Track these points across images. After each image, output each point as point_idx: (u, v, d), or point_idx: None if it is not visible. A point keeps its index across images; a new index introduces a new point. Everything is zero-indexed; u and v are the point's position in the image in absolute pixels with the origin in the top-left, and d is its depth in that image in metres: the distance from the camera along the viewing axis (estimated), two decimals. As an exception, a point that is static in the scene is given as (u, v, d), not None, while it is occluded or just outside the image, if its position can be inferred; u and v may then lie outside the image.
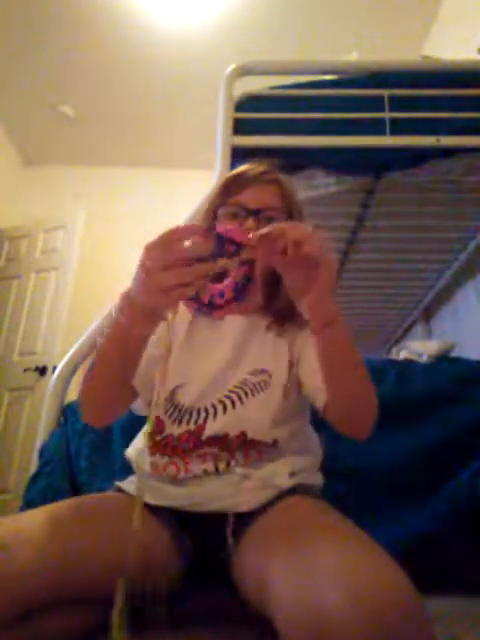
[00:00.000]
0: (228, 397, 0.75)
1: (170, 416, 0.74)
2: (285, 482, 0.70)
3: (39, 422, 1.30)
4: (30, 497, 1.10)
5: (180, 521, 0.69)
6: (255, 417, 0.74)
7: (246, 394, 0.76)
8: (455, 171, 1.56)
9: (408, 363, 1.37)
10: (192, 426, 0.73)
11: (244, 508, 0.67)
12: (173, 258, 0.50)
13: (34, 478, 1.15)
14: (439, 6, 2.63)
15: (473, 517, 1.00)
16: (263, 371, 0.77)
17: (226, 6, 2.64)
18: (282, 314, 0.79)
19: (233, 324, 0.80)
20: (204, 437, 0.72)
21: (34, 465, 1.19)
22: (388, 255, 2.14)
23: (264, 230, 0.55)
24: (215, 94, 1.63)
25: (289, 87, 1.60)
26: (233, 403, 0.75)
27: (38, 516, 0.59)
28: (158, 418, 0.75)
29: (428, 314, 2.69)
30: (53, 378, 1.31)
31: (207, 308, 0.56)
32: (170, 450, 0.73)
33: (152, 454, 0.74)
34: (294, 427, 0.78)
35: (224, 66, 1.62)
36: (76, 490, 1.10)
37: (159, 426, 0.74)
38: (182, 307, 0.67)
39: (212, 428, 0.73)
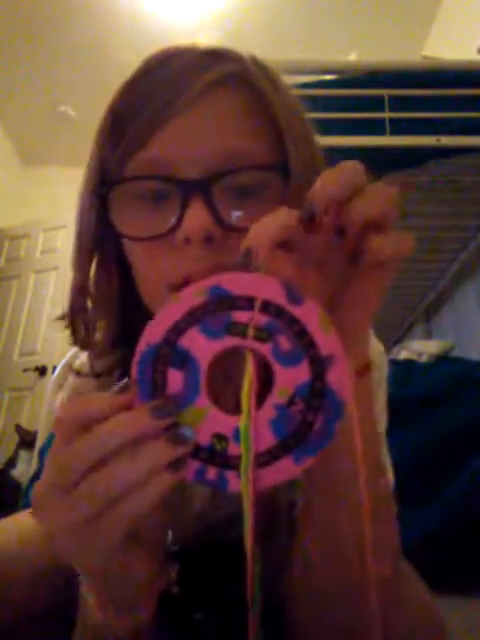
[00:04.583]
0: None
1: None
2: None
3: (39, 422, 1.29)
4: (30, 497, 1.10)
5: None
6: None
7: None
8: (455, 171, 1.56)
9: (408, 363, 1.37)
10: None
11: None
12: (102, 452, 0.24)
13: (34, 478, 1.15)
14: (439, 6, 2.62)
15: (473, 517, 0.99)
16: None
17: (226, 6, 2.64)
18: None
19: None
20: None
21: (34, 465, 1.19)
22: (388, 255, 2.14)
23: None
24: (215, 94, 1.63)
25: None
26: None
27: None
28: None
29: (428, 314, 2.68)
30: (53, 378, 1.31)
31: (218, 474, 0.26)
32: None
33: None
34: None
35: (224, 66, 1.62)
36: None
37: None
38: None
39: None
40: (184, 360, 0.25)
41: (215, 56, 0.36)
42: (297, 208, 0.25)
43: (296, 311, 0.25)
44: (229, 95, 0.34)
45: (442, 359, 1.54)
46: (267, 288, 0.25)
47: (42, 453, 1.21)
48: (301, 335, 0.25)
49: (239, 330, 0.25)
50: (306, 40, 2.76)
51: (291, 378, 0.25)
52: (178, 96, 0.33)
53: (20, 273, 3.20)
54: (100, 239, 0.38)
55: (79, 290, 0.41)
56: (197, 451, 0.25)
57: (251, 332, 0.25)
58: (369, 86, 1.51)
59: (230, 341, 0.25)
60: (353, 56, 2.20)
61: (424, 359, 1.55)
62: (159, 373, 0.25)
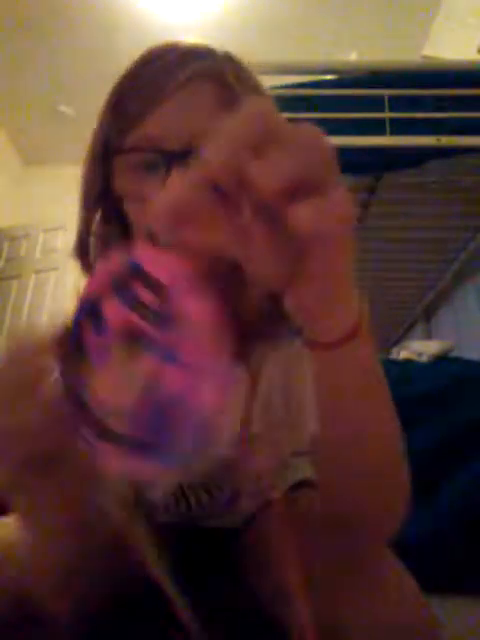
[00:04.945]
0: None
1: None
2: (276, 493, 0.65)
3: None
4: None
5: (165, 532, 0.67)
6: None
7: None
8: (455, 171, 1.56)
9: (408, 363, 1.37)
10: None
11: (237, 523, 0.65)
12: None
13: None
14: (439, 6, 2.62)
15: (472, 517, 1.00)
16: None
17: (226, 6, 2.64)
18: (245, 331, 0.49)
19: None
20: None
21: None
22: (388, 255, 2.14)
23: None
24: (215, 94, 1.63)
25: (289, 87, 1.60)
26: None
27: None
28: None
29: (428, 314, 2.68)
30: (53, 378, 1.31)
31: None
32: None
33: None
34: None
35: (224, 66, 1.62)
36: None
37: None
38: None
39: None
40: (99, 325, 0.24)
41: (194, 54, 0.44)
42: None
43: (186, 303, 0.23)
44: (202, 87, 0.43)
45: (442, 359, 1.54)
46: (165, 268, 0.23)
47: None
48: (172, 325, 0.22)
49: (139, 309, 0.23)
50: (306, 40, 2.76)
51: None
52: (164, 87, 0.42)
53: (20, 273, 3.20)
54: (103, 196, 0.46)
55: (85, 234, 0.48)
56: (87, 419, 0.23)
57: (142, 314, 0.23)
58: (369, 86, 1.51)
59: (133, 318, 0.23)
60: (353, 56, 2.20)
61: (424, 359, 1.55)
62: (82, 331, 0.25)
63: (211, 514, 0.64)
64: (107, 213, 0.47)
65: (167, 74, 0.42)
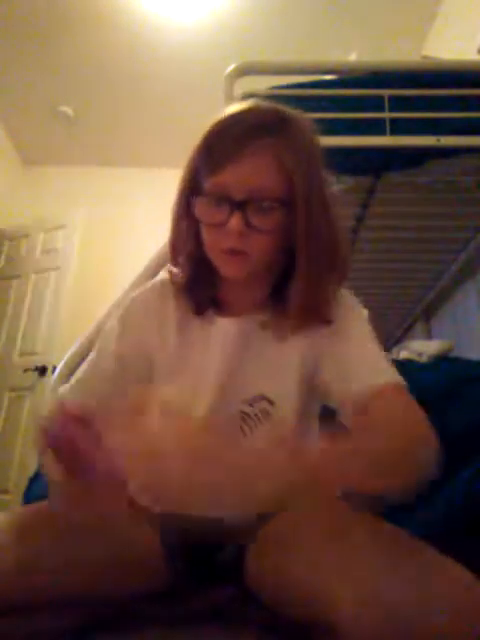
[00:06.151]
0: None
1: None
2: None
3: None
4: (30, 497, 1.10)
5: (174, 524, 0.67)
6: None
7: (243, 431, 0.64)
8: (455, 171, 1.56)
9: (408, 363, 1.37)
10: None
11: (237, 518, 0.66)
12: None
13: (34, 478, 1.15)
14: (439, 6, 2.62)
15: (472, 517, 0.99)
16: (261, 398, 0.64)
17: (226, 6, 2.64)
18: (291, 310, 0.63)
19: (225, 330, 0.66)
20: None
21: (34, 465, 1.19)
22: (388, 255, 2.14)
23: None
24: (215, 94, 1.63)
25: (289, 87, 1.60)
26: None
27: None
28: None
29: (428, 314, 2.68)
30: (53, 378, 1.31)
31: None
32: None
33: None
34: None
35: (224, 66, 1.62)
36: (76, 490, 1.10)
37: None
38: (169, 311, 0.70)
39: None
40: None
41: (265, 128, 0.59)
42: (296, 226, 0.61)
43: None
44: (264, 156, 0.59)
45: (442, 359, 1.54)
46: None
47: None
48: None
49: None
50: (306, 40, 2.76)
51: None
52: (238, 151, 0.58)
53: (20, 273, 3.20)
54: (186, 220, 0.66)
55: (173, 246, 0.71)
56: None
57: None
58: (369, 86, 1.51)
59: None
60: (353, 56, 2.20)
61: (424, 359, 1.55)
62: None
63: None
64: (189, 228, 0.66)
65: (241, 142, 0.58)
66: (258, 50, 2.69)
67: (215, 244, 0.62)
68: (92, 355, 0.71)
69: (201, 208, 0.62)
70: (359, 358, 0.62)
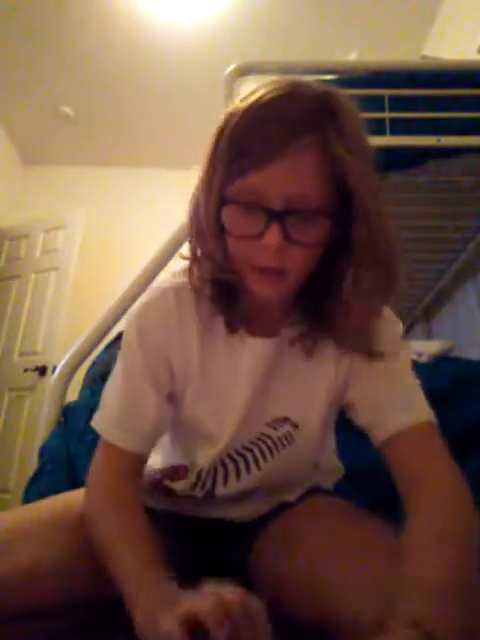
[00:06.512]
0: (240, 456, 0.62)
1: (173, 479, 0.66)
2: (292, 497, 0.67)
3: (39, 422, 1.30)
4: (30, 497, 1.10)
5: (178, 523, 0.68)
6: (276, 481, 0.64)
7: (263, 454, 0.62)
8: (455, 171, 1.56)
9: (408, 363, 1.37)
10: (199, 492, 0.65)
11: (248, 518, 0.66)
12: None
13: (34, 478, 1.15)
14: (439, 6, 2.62)
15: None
16: (285, 420, 0.61)
17: (226, 6, 2.64)
18: (337, 334, 0.56)
19: (255, 351, 0.60)
20: (216, 496, 0.66)
21: (34, 465, 1.19)
22: (388, 255, 2.14)
23: None
24: (215, 94, 1.63)
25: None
26: (247, 465, 0.63)
27: (29, 514, 0.59)
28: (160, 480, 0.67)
29: (428, 314, 2.68)
30: (53, 378, 1.31)
31: None
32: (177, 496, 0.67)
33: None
34: (321, 459, 0.69)
35: (224, 66, 1.62)
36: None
37: (162, 481, 0.67)
38: (185, 334, 0.58)
39: (222, 491, 0.65)
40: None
41: (309, 123, 0.48)
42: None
43: None
44: (307, 156, 0.47)
45: (442, 359, 1.54)
46: None
47: (43, 451, 1.21)
48: None
49: None
50: (306, 40, 2.76)
51: None
52: (276, 151, 0.47)
53: (20, 273, 3.20)
54: (215, 225, 0.53)
55: (201, 250, 0.57)
56: None
57: None
58: (369, 86, 1.51)
59: None
60: (353, 56, 2.19)
61: (424, 359, 1.55)
62: None
63: (227, 498, 0.66)
64: (212, 236, 0.54)
65: (281, 138, 0.47)
66: (258, 50, 2.69)
67: (246, 260, 0.52)
68: (120, 382, 0.61)
69: (229, 217, 0.50)
70: (393, 390, 0.59)
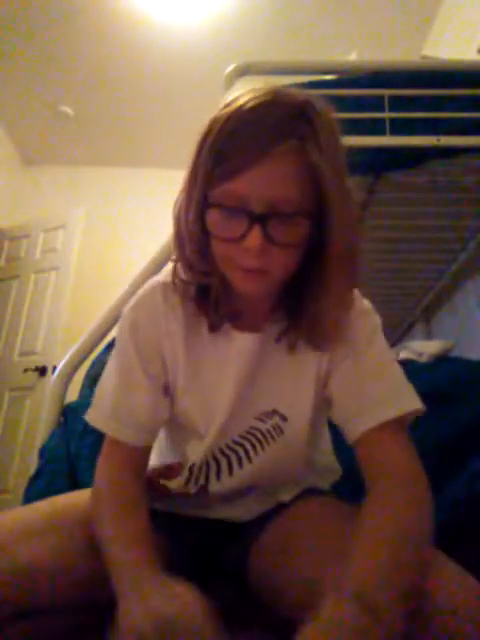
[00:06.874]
0: (231, 450, 0.64)
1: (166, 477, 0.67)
2: (287, 497, 0.67)
3: (39, 422, 1.30)
4: (30, 497, 1.10)
5: (176, 523, 0.68)
6: (270, 477, 0.66)
7: (254, 447, 0.63)
8: (455, 171, 1.56)
9: (408, 363, 1.37)
10: (192, 488, 0.66)
11: (245, 518, 0.67)
12: None
13: (34, 478, 1.15)
14: (439, 6, 2.62)
15: (474, 518, 0.99)
16: (273, 413, 0.62)
17: (226, 6, 2.64)
18: (318, 328, 0.58)
19: (241, 345, 0.61)
20: (210, 492, 0.67)
21: (34, 465, 1.19)
22: (388, 255, 2.14)
23: None
24: (215, 94, 1.63)
25: (289, 87, 1.60)
26: (239, 460, 0.64)
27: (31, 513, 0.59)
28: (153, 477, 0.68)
29: (428, 314, 2.68)
30: (53, 378, 1.31)
31: None
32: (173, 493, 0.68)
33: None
34: (315, 456, 0.70)
35: (224, 66, 1.62)
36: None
37: (156, 480, 0.68)
38: (171, 326, 0.60)
39: (215, 487, 0.66)
40: None
41: (288, 129, 0.50)
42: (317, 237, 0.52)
43: None
44: (287, 160, 0.49)
45: (442, 359, 1.54)
46: None
47: (43, 451, 1.21)
48: None
49: None
50: (306, 40, 2.76)
51: None
52: (257, 155, 0.49)
53: (20, 273, 3.20)
54: (196, 229, 0.55)
55: (179, 254, 0.58)
56: None
57: None
58: (369, 86, 1.51)
59: None
60: (353, 56, 2.20)
61: (424, 359, 1.55)
62: None
63: (222, 497, 0.67)
64: (196, 237, 0.55)
65: (261, 143, 0.49)
66: (258, 50, 2.69)
67: (230, 261, 0.54)
68: (114, 373, 0.62)
69: (213, 220, 0.52)
70: (371, 381, 0.60)
